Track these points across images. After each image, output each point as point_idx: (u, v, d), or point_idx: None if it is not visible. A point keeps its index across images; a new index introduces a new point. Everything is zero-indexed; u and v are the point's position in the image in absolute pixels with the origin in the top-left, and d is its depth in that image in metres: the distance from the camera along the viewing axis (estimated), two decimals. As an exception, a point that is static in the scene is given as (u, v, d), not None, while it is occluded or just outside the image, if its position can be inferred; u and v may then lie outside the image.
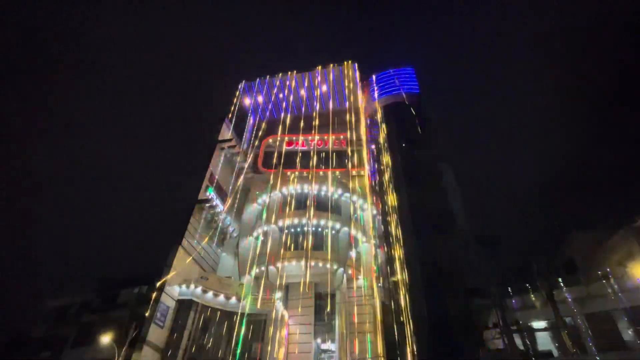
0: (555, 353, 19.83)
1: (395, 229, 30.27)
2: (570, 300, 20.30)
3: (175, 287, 26.14)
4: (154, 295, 24.67)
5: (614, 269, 22.83)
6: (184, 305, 26.03)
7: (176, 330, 24.95)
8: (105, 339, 21.25)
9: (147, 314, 23.77)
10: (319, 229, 32.22)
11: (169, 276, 25.63)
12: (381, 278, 31.65)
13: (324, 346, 27.93)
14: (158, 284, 25.19)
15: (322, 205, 33.75)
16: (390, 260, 32.37)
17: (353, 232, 32.49)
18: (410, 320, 23.54)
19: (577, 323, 19.97)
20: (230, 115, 40.11)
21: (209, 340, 25.64)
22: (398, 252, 28.44)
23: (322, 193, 34.48)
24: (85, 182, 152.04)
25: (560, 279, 21.66)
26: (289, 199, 34.70)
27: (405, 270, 25.85)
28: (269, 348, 25.25)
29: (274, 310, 27.02)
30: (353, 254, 32.04)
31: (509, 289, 20.95)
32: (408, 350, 22.54)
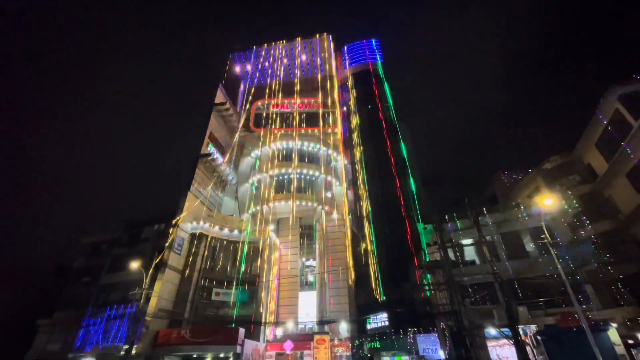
0: (477, 261, 21.94)
1: (361, 175, 31.16)
2: (490, 223, 22.14)
3: (188, 224, 26.61)
4: (171, 230, 25.15)
5: (523, 200, 24.77)
6: (196, 237, 26.69)
7: (190, 256, 25.76)
8: (134, 265, 21.65)
9: (167, 245, 24.40)
10: (302, 176, 32.84)
11: (181, 215, 25.99)
12: (350, 212, 33.20)
13: (307, 263, 29.78)
14: (174, 222, 25.59)
15: (304, 157, 34.17)
16: (357, 198, 33.59)
17: (329, 178, 33.36)
18: (373, 242, 25.19)
19: (494, 240, 21.95)
20: (223, 82, 38.18)
21: (218, 262, 26.69)
22: (364, 192, 29.62)
23: (304, 147, 34.69)
24: (110, 143, 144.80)
25: (484, 209, 23.28)
26: (276, 152, 34.78)
27: (369, 205, 27.10)
28: (266, 266, 26.69)
29: (268, 238, 28.17)
30: (329, 194, 33.16)
31: (447, 217, 22.47)
32: (371, 262, 24.38)
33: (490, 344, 18.35)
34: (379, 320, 20.51)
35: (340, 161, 35.59)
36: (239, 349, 20.09)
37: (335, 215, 31.55)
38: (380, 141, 31.52)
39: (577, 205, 21.48)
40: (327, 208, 31.17)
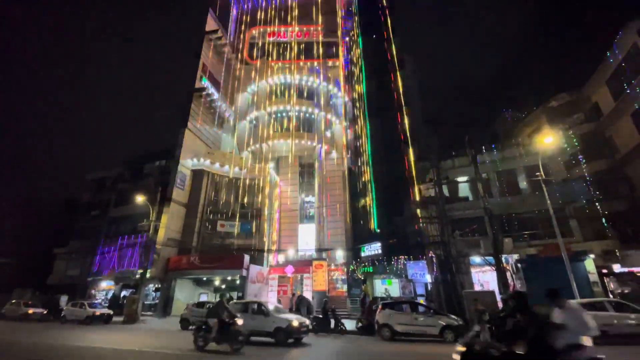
0: (470, 197, 22.65)
1: (361, 112, 30.25)
2: (488, 161, 22.30)
3: (189, 160, 26.74)
4: (172, 166, 25.42)
5: (524, 139, 24.58)
6: (198, 174, 27.07)
7: (194, 191, 26.47)
8: (139, 199, 22.32)
9: (169, 180, 24.89)
10: (301, 114, 31.93)
11: (181, 151, 25.99)
12: (349, 151, 33.18)
13: (307, 199, 30.79)
14: (174, 158, 25.72)
15: (303, 93, 32.76)
16: (357, 136, 33.24)
17: (328, 116, 32.48)
18: (370, 180, 25.66)
19: (490, 177, 22.35)
20: (213, 6, 34.51)
21: (221, 197, 27.54)
22: (363, 130, 29.14)
23: (303, 82, 32.99)
24: (104, 80, 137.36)
25: (484, 147, 23.22)
26: (274, 87, 33.24)
27: (368, 143, 26.90)
28: (267, 201, 27.65)
29: (269, 176, 28.65)
30: (328, 133, 32.70)
31: (445, 155, 22.53)
32: (367, 198, 25.20)
33: (473, 270, 20.04)
34: (373, 248, 22.06)
35: (341, 98, 34.27)
36: (244, 272, 21.97)
37: (334, 154, 31.56)
38: (384, 75, 29.80)
39: (576, 144, 21.38)
40: (326, 147, 31.04)
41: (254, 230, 26.51)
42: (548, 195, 15.03)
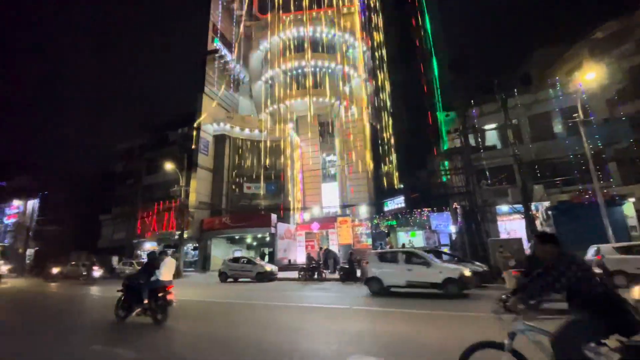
0: (499, 145, 21.62)
1: (381, 62, 28.50)
2: (519, 105, 20.79)
3: (209, 126, 27.09)
4: (194, 133, 25.94)
5: (562, 78, 22.40)
6: (219, 139, 27.54)
7: (218, 156, 27.22)
8: (168, 166, 23.17)
9: (193, 147, 25.58)
10: (317, 69, 30.63)
11: (201, 118, 26.29)
12: (369, 105, 31.97)
13: (328, 158, 30.76)
14: (195, 125, 26.12)
15: (318, 47, 31.06)
16: (377, 89, 31.78)
17: (346, 69, 30.93)
18: (392, 134, 24.96)
19: (520, 122, 21.00)
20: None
21: (244, 160, 28.15)
22: (383, 81, 27.67)
23: (317, 34, 31.11)
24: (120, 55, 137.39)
25: (515, 90, 21.54)
26: (287, 42, 31.70)
27: (389, 95, 25.69)
28: (289, 162, 27.96)
29: (289, 137, 28.61)
30: (347, 88, 31.45)
31: (472, 102, 21.16)
32: (389, 153, 24.75)
33: (500, 219, 19.77)
34: (396, 202, 22.18)
35: (358, 48, 32.26)
36: (272, 230, 23.09)
37: (354, 109, 30.61)
38: (403, 19, 27.41)
39: (623, 79, 19.26)
40: (345, 103, 30.08)
41: (278, 190, 27.26)
42: (586, 138, 14.00)
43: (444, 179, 20.14)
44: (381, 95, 29.81)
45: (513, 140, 16.47)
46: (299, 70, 30.76)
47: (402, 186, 22.58)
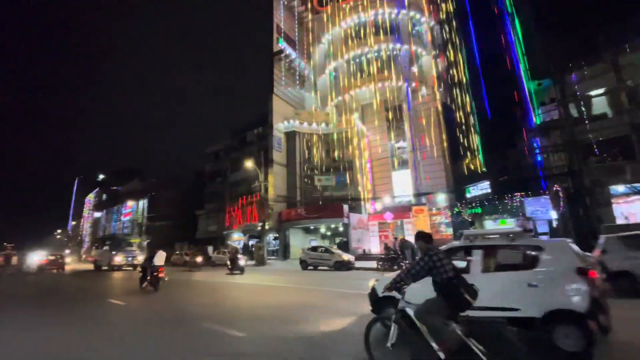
0: (610, 114, 18.00)
1: (453, 34, 25.86)
2: (634, 62, 16.86)
3: (280, 124, 28.60)
4: (268, 132, 27.86)
5: None
6: (290, 135, 28.93)
7: (290, 151, 28.69)
8: (248, 164, 25.17)
9: (268, 145, 27.53)
10: (381, 53, 29.60)
11: (272, 117, 27.97)
12: (442, 83, 29.56)
13: (397, 145, 29.68)
14: (269, 124, 28.02)
15: (379, 30, 29.89)
16: (449, 65, 29.19)
17: (413, 48, 29.23)
18: (472, 111, 22.65)
19: (637, 83, 17.06)
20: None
21: (314, 154, 29.10)
22: (458, 56, 25.13)
23: (379, 16, 29.97)
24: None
25: (627, 45, 17.46)
26: (349, 31, 31.29)
27: (465, 68, 23.24)
28: (357, 152, 27.91)
29: (355, 127, 28.49)
30: (414, 68, 29.74)
31: (570, 65, 17.88)
32: (471, 134, 22.53)
33: (615, 201, 16.55)
34: (480, 188, 20.20)
35: (425, 24, 30.11)
36: (345, 220, 23.52)
37: (424, 90, 28.86)
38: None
39: None
40: (414, 84, 28.53)
41: (348, 181, 27.52)
42: None
43: (539, 157, 17.68)
44: (454, 70, 27.18)
45: (629, 105, 13.54)
46: (362, 57, 30.18)
47: (485, 170, 20.39)
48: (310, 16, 34.79)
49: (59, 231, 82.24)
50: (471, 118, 23.12)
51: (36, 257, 24.96)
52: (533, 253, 4.46)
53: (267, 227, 24.39)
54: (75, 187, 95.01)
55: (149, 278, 10.41)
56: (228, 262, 17.28)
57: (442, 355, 2.98)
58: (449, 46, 26.46)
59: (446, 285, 3.12)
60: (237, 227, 29.69)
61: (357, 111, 30.17)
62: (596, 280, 3.90)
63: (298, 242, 26.17)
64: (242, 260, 16.92)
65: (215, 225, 34.97)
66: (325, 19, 32.64)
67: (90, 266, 25.89)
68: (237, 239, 31.16)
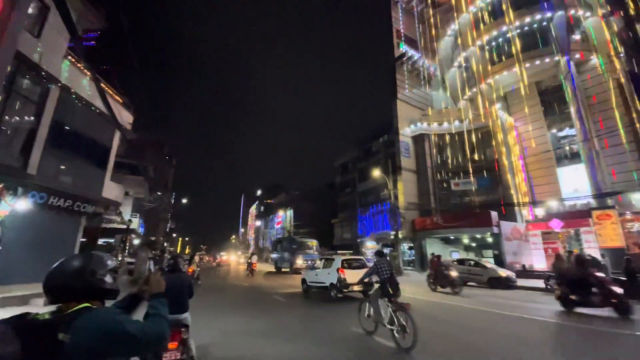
0: None
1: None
2: None
3: (406, 129, 27.74)
4: (395, 138, 27.41)
5: None
6: (418, 139, 27.58)
7: (419, 156, 27.28)
8: (376, 173, 25.43)
9: (395, 152, 27.02)
10: (524, 28, 24.74)
11: (398, 123, 27.39)
12: (620, 47, 22.00)
13: (561, 134, 23.78)
14: (394, 130, 27.58)
15: (518, 2, 25.05)
16: (630, 19, 21.57)
17: (570, 11, 23.12)
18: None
19: None
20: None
21: (447, 156, 26.75)
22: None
23: (518, -15, 25.20)
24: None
25: None
26: (479, 14, 27.59)
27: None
28: (503, 149, 23.93)
29: (497, 119, 24.59)
30: (576, 35, 23.41)
31: None
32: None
33: None
34: None
35: (588, -25, 23.39)
36: (495, 229, 20.28)
37: (593, 59, 22.30)
38: None
39: None
40: (578, 55, 22.46)
41: (494, 183, 23.83)
42: None
43: None
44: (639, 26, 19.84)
45: None
46: (500, 39, 26.01)
47: None
48: (431, 11, 32.80)
49: (233, 237, 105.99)
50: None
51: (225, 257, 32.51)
52: None
53: (400, 235, 23.80)
54: (242, 201, 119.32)
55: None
56: None
57: (385, 320, 5.54)
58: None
59: (383, 282, 5.76)
60: (371, 235, 30.25)
61: (498, 101, 26.04)
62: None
63: (436, 252, 24.29)
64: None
65: (349, 233, 36.78)
66: (449, 10, 30.06)
67: (272, 267, 31.00)
68: (370, 247, 31.74)
